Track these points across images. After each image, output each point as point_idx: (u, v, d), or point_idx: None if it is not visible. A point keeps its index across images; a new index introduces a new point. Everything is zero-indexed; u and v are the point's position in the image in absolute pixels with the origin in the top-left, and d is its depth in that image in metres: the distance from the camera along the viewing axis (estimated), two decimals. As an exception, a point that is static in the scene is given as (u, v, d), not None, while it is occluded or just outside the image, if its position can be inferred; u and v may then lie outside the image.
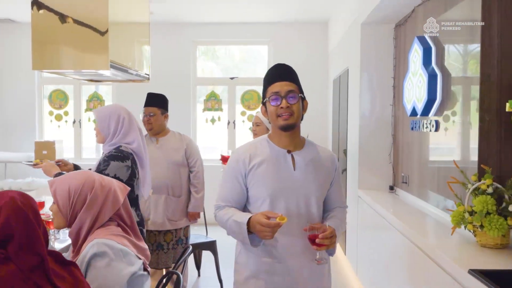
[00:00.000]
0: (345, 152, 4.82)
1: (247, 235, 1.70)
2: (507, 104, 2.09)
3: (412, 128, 3.34)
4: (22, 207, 1.25)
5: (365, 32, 3.96)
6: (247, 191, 1.84)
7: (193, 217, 3.37)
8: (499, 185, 2.11)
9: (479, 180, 2.16)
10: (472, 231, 2.13)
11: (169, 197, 3.22)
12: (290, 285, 1.82)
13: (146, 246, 1.78)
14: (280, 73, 1.83)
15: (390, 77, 3.95)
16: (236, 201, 1.85)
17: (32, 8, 2.86)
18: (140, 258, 1.67)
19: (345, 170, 4.72)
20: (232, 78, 6.56)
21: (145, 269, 1.70)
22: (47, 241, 1.31)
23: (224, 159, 3.75)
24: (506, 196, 2.07)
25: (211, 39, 6.57)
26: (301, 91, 1.83)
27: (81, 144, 6.68)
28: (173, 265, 3.19)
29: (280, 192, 1.80)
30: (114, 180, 1.75)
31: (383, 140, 4.00)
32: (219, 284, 3.92)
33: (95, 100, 6.63)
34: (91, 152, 6.80)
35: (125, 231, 1.69)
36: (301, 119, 1.85)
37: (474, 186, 2.14)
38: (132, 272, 1.59)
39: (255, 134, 3.47)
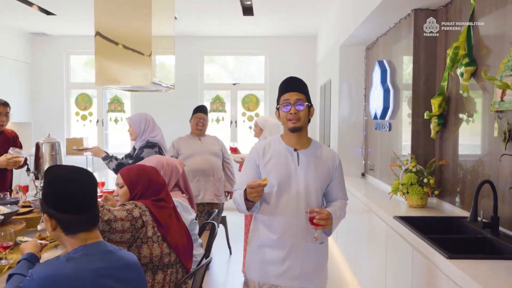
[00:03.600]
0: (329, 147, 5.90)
1: (243, 200, 2.05)
2: (425, 114, 3.19)
3: (376, 128, 4.44)
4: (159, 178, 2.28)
5: (343, 52, 5.05)
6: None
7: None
8: (421, 167, 3.20)
9: (409, 163, 3.26)
10: (403, 196, 3.22)
11: (214, 179, 4.26)
12: (288, 259, 2.12)
13: (194, 207, 2.83)
14: (292, 84, 2.13)
15: (362, 88, 5.03)
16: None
17: (95, 37, 3.86)
18: (194, 212, 2.74)
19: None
20: (234, 84, 7.64)
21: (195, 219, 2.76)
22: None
23: (233, 150, 4.78)
24: (425, 173, 3.16)
25: (216, 50, 7.62)
26: (309, 100, 2.13)
27: (103, 140, 7.72)
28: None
29: (286, 181, 2.11)
30: (175, 160, 2.82)
31: (356, 137, 5.09)
32: (228, 250, 4.99)
33: (115, 102, 7.66)
34: (113, 148, 7.83)
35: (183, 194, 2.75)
36: (308, 122, 2.17)
37: (405, 167, 3.24)
38: (191, 219, 2.65)
39: (255, 133, 4.57)
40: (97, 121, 7.69)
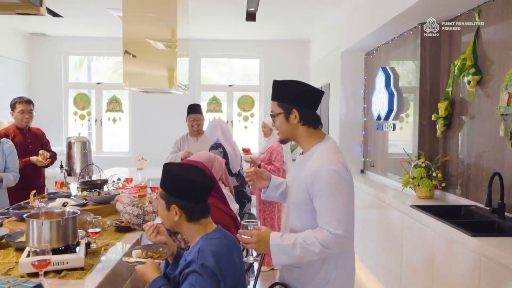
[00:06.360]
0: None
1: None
2: (433, 116, 3.63)
3: (377, 128, 4.87)
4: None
5: (344, 58, 5.46)
6: None
7: None
8: (429, 162, 3.64)
9: (418, 159, 3.69)
10: (413, 189, 3.65)
11: None
12: (285, 280, 1.97)
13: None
14: (272, 91, 1.91)
15: (361, 91, 5.46)
16: None
17: (123, 54, 4.05)
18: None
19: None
20: (230, 85, 7.95)
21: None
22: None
23: (245, 151, 5.10)
24: (432, 168, 3.60)
25: (213, 53, 7.91)
26: (284, 104, 1.85)
27: (102, 139, 7.86)
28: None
29: (290, 190, 1.98)
30: (218, 156, 3.14)
31: (356, 137, 5.51)
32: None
33: (114, 102, 7.83)
34: (109, 146, 7.98)
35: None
36: (304, 124, 1.86)
37: (415, 163, 3.67)
38: (236, 208, 2.97)
39: (264, 133, 4.88)
40: (95, 121, 7.83)
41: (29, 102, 4.15)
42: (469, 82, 3.18)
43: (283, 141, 1.95)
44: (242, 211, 3.76)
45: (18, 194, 3.70)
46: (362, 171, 5.47)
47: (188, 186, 1.70)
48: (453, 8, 3.36)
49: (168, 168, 1.76)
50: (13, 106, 4.08)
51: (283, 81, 1.88)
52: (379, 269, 4.04)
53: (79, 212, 2.05)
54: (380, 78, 4.62)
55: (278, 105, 1.86)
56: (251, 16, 6.17)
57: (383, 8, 3.93)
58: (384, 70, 4.53)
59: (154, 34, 4.12)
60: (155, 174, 4.92)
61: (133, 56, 4.04)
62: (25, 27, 7.07)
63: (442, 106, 3.55)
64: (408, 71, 4.22)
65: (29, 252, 1.86)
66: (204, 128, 4.76)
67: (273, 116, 1.89)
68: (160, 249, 1.93)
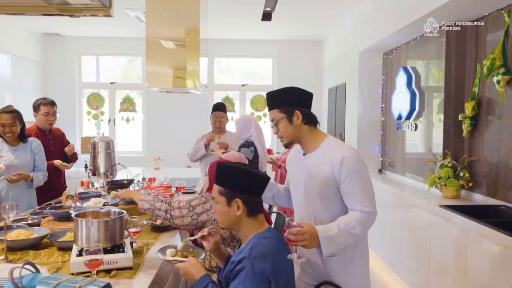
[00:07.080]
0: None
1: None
2: (459, 115, 3.62)
3: (397, 128, 4.86)
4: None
5: (362, 58, 5.46)
6: None
7: None
8: (455, 162, 3.64)
9: (444, 159, 3.69)
10: (439, 188, 3.65)
11: None
12: (314, 276, 2.04)
13: None
14: (267, 103, 2.05)
15: (379, 91, 5.46)
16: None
17: (146, 54, 4.06)
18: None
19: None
20: (243, 85, 7.96)
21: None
22: None
23: (267, 151, 5.09)
24: (458, 168, 3.59)
25: (226, 53, 7.91)
26: (286, 106, 1.96)
27: (115, 139, 7.88)
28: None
29: (296, 188, 2.08)
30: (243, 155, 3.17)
31: (373, 136, 5.51)
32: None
33: (127, 102, 7.84)
34: (121, 146, 7.99)
35: None
36: (306, 123, 1.98)
37: (441, 163, 3.67)
38: (267, 207, 2.98)
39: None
40: (109, 120, 7.85)
41: (53, 104, 4.10)
42: (498, 82, 3.18)
43: (287, 145, 2.06)
44: (270, 211, 3.77)
45: (42, 195, 3.69)
46: (380, 170, 5.47)
47: (248, 178, 1.74)
48: (481, 8, 3.36)
49: (224, 165, 1.79)
50: (36, 107, 4.04)
51: (277, 90, 2.03)
52: (403, 269, 4.04)
53: (124, 212, 2.05)
54: (401, 78, 4.61)
55: (279, 111, 1.98)
56: (267, 16, 6.17)
57: (407, 9, 3.93)
58: (405, 70, 4.53)
59: (176, 35, 4.13)
60: (174, 173, 4.94)
61: (152, 56, 4.05)
62: (39, 27, 7.09)
63: (469, 106, 3.54)
64: (431, 71, 4.22)
65: (80, 251, 1.87)
66: (228, 128, 4.78)
67: (276, 123, 1.99)
68: (191, 249, 1.98)
